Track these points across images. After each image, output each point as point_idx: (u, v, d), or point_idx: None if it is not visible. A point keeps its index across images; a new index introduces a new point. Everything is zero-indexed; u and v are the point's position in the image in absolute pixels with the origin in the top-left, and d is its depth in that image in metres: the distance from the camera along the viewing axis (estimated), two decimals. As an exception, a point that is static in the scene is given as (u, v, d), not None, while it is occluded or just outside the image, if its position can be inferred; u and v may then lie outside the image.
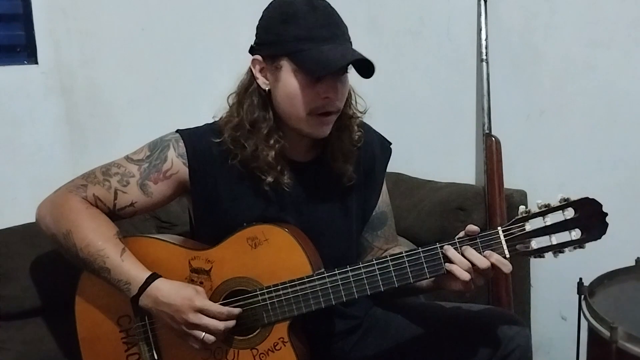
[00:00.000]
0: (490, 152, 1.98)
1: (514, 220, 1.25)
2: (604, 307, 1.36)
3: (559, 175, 1.99)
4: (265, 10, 1.34)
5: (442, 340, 1.41)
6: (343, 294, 1.29)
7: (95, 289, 1.37)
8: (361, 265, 1.29)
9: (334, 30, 1.29)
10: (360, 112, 1.42)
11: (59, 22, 1.88)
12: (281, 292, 1.30)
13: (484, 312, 1.44)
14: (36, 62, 1.85)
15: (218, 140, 1.36)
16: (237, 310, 1.30)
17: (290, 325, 1.32)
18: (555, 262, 1.26)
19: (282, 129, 1.34)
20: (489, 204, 1.96)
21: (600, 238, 1.22)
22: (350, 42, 1.32)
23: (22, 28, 1.83)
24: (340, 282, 1.29)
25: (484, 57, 2.04)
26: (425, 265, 1.27)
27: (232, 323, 1.30)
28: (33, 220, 1.39)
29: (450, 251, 1.25)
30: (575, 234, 1.22)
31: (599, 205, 1.22)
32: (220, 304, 1.31)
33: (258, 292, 1.31)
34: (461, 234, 1.27)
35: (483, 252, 1.24)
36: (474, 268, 1.24)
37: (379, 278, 1.28)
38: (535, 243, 1.23)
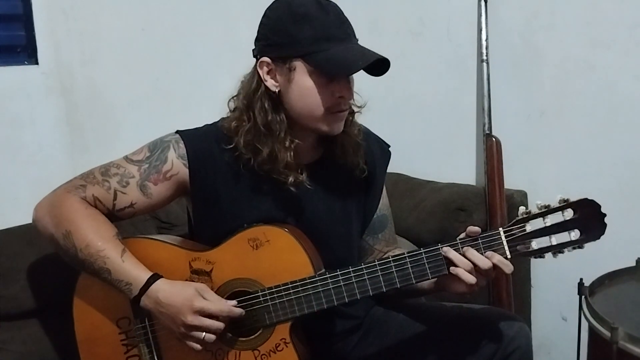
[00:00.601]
0: (491, 152, 1.98)
1: (514, 221, 1.25)
2: (605, 307, 1.36)
3: (559, 175, 1.99)
4: (269, 10, 1.31)
5: (443, 340, 1.41)
6: (345, 294, 1.29)
7: (94, 291, 1.37)
8: (363, 266, 1.28)
9: (346, 30, 1.29)
10: (358, 107, 1.41)
11: (59, 22, 1.88)
12: (283, 293, 1.30)
13: (485, 313, 1.44)
14: (36, 63, 1.85)
15: (229, 146, 1.34)
16: (238, 311, 1.29)
17: (292, 326, 1.32)
18: (555, 262, 1.27)
19: (294, 129, 1.34)
20: (489, 204, 1.96)
21: (599, 238, 1.22)
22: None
23: (22, 28, 1.84)
24: (342, 283, 1.28)
25: (485, 57, 2.03)
26: (427, 266, 1.27)
27: (238, 311, 1.29)
28: (32, 220, 1.39)
29: (451, 252, 1.25)
30: (575, 234, 1.22)
31: (597, 206, 1.22)
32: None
33: (260, 294, 1.31)
34: (462, 234, 1.28)
35: (484, 252, 1.24)
36: (475, 269, 1.24)
37: (381, 278, 1.28)
38: (536, 244, 1.24)
